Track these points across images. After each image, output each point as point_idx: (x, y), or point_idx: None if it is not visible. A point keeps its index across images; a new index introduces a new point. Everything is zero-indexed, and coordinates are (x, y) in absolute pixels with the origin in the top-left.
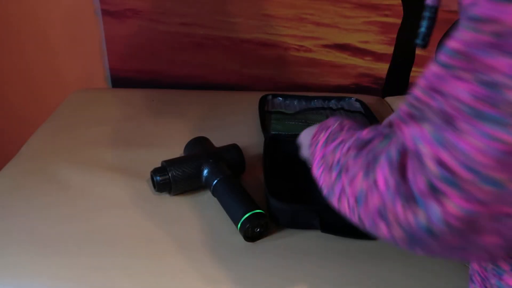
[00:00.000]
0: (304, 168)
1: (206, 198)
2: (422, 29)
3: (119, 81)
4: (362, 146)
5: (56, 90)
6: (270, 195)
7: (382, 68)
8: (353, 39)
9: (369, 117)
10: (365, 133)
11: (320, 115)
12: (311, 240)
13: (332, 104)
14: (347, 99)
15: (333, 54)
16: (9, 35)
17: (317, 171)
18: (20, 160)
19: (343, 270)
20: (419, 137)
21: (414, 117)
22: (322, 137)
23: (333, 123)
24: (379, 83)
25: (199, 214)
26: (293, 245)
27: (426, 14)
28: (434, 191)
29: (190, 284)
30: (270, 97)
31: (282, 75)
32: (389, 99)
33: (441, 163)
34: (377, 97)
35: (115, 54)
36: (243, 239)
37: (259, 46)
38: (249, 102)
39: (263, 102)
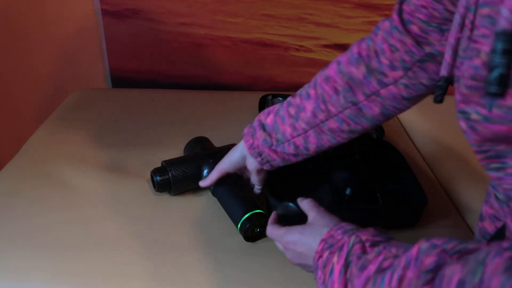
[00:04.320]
0: (304, 168)
1: (206, 198)
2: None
3: (119, 81)
4: (430, 279)
5: (56, 90)
6: (270, 195)
7: None
8: (353, 39)
9: None
10: (427, 261)
11: None
12: None
13: None
14: None
15: (333, 54)
16: (9, 35)
17: None
18: (20, 160)
19: None
20: None
21: None
22: (338, 262)
23: (347, 240)
24: None
25: (199, 214)
26: None
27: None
28: None
29: (190, 284)
30: (270, 97)
31: (282, 75)
32: None
33: None
34: None
35: (115, 54)
36: (243, 239)
37: (259, 46)
38: (249, 102)
39: (263, 102)
